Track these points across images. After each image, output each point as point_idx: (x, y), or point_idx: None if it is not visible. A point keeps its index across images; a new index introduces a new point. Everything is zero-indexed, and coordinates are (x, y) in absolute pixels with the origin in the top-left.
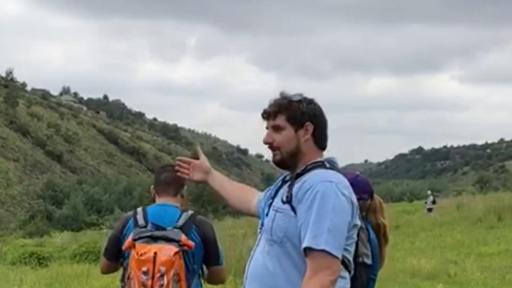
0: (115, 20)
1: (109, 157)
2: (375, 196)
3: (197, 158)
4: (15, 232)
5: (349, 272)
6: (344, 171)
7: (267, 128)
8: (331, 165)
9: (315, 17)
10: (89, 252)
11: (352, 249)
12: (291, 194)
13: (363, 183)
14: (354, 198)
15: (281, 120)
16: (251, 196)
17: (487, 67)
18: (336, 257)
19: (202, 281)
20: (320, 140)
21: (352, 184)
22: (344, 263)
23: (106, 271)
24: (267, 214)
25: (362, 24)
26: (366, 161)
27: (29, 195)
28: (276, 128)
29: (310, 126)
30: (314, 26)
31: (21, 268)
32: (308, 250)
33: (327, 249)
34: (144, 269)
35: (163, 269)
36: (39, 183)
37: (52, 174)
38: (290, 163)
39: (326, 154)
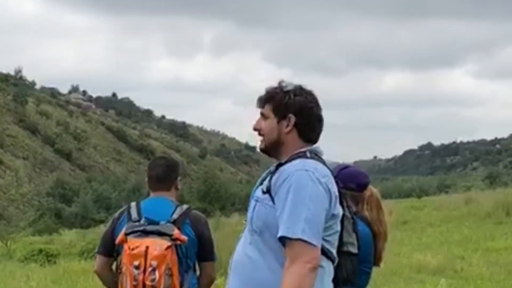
0: (131, 18)
1: (118, 154)
2: (369, 188)
3: None
4: (24, 230)
5: (332, 261)
6: (336, 164)
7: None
8: (314, 154)
9: (331, 13)
10: None
11: (333, 239)
12: (270, 185)
13: (348, 174)
14: (332, 186)
15: (267, 109)
16: None
17: (504, 63)
18: (314, 245)
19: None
20: (306, 133)
21: (335, 174)
22: (325, 253)
23: (100, 269)
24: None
25: (378, 20)
26: (375, 157)
27: (39, 193)
28: (264, 116)
29: (292, 118)
30: (330, 22)
31: (29, 265)
32: (285, 239)
33: (304, 237)
34: (136, 263)
35: (154, 263)
36: (49, 181)
37: (61, 172)
38: (273, 153)
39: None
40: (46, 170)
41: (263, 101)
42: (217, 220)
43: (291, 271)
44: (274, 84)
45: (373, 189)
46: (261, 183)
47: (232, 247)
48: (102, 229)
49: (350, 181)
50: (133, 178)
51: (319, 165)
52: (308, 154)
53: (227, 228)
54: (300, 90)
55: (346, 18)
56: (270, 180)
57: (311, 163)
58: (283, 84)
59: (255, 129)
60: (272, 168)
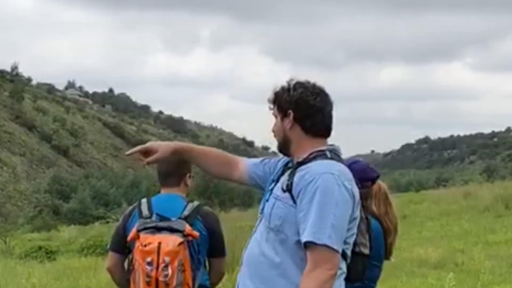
0: (128, 13)
1: (115, 150)
2: (378, 182)
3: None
4: (22, 227)
5: (346, 262)
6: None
7: None
8: (334, 154)
9: (328, 6)
10: (96, 245)
11: (351, 241)
12: (291, 183)
13: (357, 169)
14: (356, 190)
15: (275, 109)
16: (231, 164)
17: (502, 56)
18: (337, 251)
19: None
20: (309, 128)
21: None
22: (343, 255)
23: (113, 266)
24: (267, 200)
25: (376, 13)
26: (372, 151)
27: (36, 189)
28: (275, 117)
29: (291, 114)
30: (328, 15)
31: (29, 262)
32: (309, 244)
33: (329, 243)
34: (149, 259)
35: (167, 259)
36: (46, 177)
37: (59, 168)
38: (285, 151)
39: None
40: (43, 166)
41: (271, 103)
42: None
43: (313, 276)
44: (283, 83)
45: (381, 184)
46: (277, 179)
47: (232, 243)
48: (102, 225)
49: (358, 177)
50: (131, 174)
51: (343, 168)
52: (328, 154)
53: (227, 223)
54: (299, 85)
55: (344, 12)
56: (290, 179)
57: (335, 165)
58: (290, 82)
59: (272, 131)
60: (289, 163)
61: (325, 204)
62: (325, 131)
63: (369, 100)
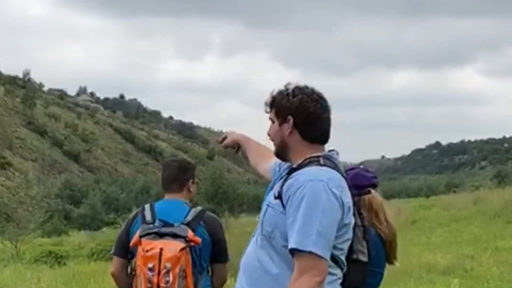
0: (141, 19)
1: (126, 156)
2: (372, 192)
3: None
4: (33, 232)
5: (341, 269)
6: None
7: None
8: (328, 160)
9: (339, 12)
10: (106, 250)
11: (344, 247)
12: (281, 190)
13: (350, 177)
14: (345, 197)
15: (272, 114)
16: (265, 157)
17: None
18: (323, 258)
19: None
20: (309, 134)
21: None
22: (335, 260)
23: (116, 271)
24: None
25: (387, 18)
26: (383, 156)
27: (48, 195)
28: (272, 121)
29: (290, 120)
30: (338, 21)
31: (39, 267)
32: (294, 251)
33: (314, 250)
34: (150, 265)
35: (168, 265)
36: (57, 182)
37: (70, 173)
38: (284, 157)
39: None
40: (55, 171)
41: (268, 106)
42: (225, 221)
43: (299, 283)
44: (281, 87)
45: (373, 194)
46: (272, 187)
47: (241, 248)
48: (112, 230)
49: (351, 183)
50: (141, 179)
51: (333, 174)
52: (321, 161)
53: (236, 229)
54: (298, 90)
55: (354, 18)
56: (282, 185)
57: (325, 171)
58: (287, 87)
59: (268, 135)
60: (284, 172)
61: (311, 211)
62: (323, 137)
63: (380, 105)
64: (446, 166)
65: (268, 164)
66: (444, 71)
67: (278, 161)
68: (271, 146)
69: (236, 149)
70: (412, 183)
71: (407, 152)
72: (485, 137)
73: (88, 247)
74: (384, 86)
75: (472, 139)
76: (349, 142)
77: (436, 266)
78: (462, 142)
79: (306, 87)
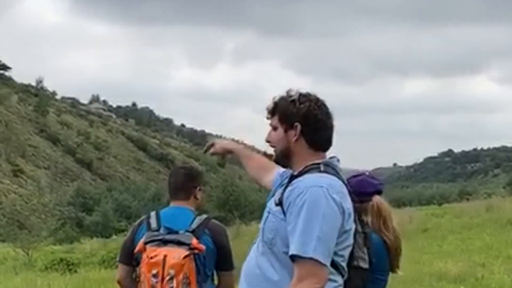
0: (154, 28)
1: (138, 164)
2: (379, 198)
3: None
4: (45, 240)
5: (342, 275)
6: (354, 171)
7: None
8: (329, 167)
9: (351, 20)
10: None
11: (345, 253)
12: (282, 197)
13: (354, 185)
14: (346, 203)
15: (275, 120)
16: (266, 169)
17: None
18: (324, 265)
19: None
20: (314, 141)
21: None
22: (336, 267)
23: (122, 278)
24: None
25: (399, 26)
26: (395, 164)
27: (60, 202)
28: (273, 128)
29: (298, 127)
30: (350, 29)
31: (50, 275)
32: (295, 257)
33: (315, 257)
34: (154, 271)
35: (172, 272)
36: (70, 190)
37: (82, 181)
38: (285, 163)
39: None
40: (67, 179)
41: (270, 112)
42: (236, 228)
43: None
44: (282, 93)
45: (374, 199)
46: (274, 194)
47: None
48: (123, 238)
49: (354, 191)
50: (153, 187)
51: (334, 181)
52: (322, 168)
53: (247, 236)
54: (304, 98)
55: (366, 25)
56: (283, 192)
57: (325, 178)
58: (290, 93)
59: (267, 141)
60: (285, 180)
61: (312, 217)
62: (326, 144)
63: (392, 113)
64: (459, 174)
65: (271, 175)
66: (457, 79)
67: (280, 170)
68: (268, 151)
69: (223, 156)
70: (424, 191)
71: (419, 160)
72: (498, 145)
73: (99, 255)
74: (397, 94)
75: (485, 147)
76: (362, 150)
77: (447, 274)
78: (475, 150)
79: (309, 94)
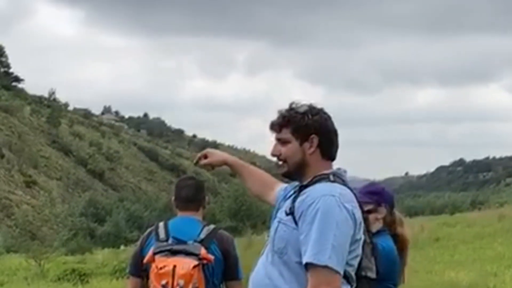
0: (165, 38)
1: (150, 174)
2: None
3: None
4: (57, 250)
5: (351, 285)
6: (367, 181)
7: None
8: (337, 177)
9: (363, 30)
10: None
11: (355, 263)
12: (293, 206)
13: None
14: (357, 212)
15: (286, 133)
16: (269, 186)
17: None
18: (338, 273)
19: None
20: (328, 152)
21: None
22: (346, 277)
23: None
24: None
25: (411, 36)
26: (406, 173)
27: (72, 213)
28: (282, 141)
29: (315, 139)
30: (363, 39)
31: (62, 285)
32: (309, 265)
33: (330, 265)
34: (163, 282)
35: (181, 282)
36: (81, 201)
37: (94, 192)
38: (297, 175)
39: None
40: (79, 190)
41: (279, 126)
42: (248, 238)
43: None
44: (286, 107)
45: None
46: (278, 208)
47: None
48: (135, 248)
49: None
50: (164, 197)
51: (344, 190)
52: (331, 178)
53: (259, 246)
54: (314, 110)
55: (378, 35)
56: (293, 202)
57: (336, 187)
58: (296, 105)
59: (273, 155)
60: (289, 192)
61: (326, 225)
62: (335, 154)
63: (404, 122)
64: (471, 183)
65: (274, 192)
66: (469, 88)
67: (283, 186)
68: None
69: (212, 167)
70: (436, 200)
71: (431, 169)
72: (510, 154)
73: (111, 265)
74: (408, 103)
75: (497, 156)
76: (373, 159)
77: (459, 284)
78: (487, 159)
79: (316, 106)
